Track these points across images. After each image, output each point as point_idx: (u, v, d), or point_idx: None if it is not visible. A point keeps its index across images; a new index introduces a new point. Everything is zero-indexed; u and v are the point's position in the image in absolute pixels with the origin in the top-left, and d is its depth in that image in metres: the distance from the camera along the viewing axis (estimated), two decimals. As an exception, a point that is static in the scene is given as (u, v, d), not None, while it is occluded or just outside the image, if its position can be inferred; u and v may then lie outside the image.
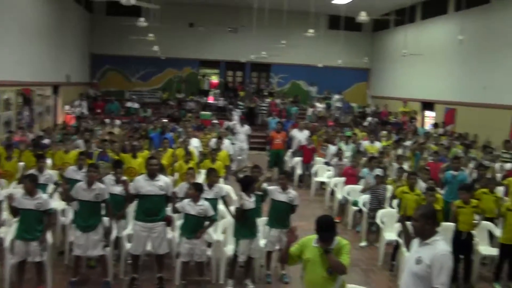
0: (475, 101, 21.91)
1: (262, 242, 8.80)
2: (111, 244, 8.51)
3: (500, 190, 11.79)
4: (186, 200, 8.22)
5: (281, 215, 8.79)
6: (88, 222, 8.01)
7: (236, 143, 17.83)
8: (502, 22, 20.81)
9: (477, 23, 22.15)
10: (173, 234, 8.82)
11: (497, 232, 9.82)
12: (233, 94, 30.85)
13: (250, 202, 8.27)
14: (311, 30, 23.18)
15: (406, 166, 13.91)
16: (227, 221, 9.11)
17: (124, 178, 9.16)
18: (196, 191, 8.18)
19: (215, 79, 32.86)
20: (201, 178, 11.19)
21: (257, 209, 8.55)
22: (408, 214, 5.63)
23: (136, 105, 26.83)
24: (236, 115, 24.27)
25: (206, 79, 32.01)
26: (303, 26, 24.85)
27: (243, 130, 18.66)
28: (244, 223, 8.29)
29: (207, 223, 8.22)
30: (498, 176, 13.24)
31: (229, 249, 8.68)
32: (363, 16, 18.88)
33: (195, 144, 14.85)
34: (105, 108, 25.63)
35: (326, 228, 5.40)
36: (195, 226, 8.08)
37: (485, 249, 9.81)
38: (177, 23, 29.51)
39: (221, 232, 9.07)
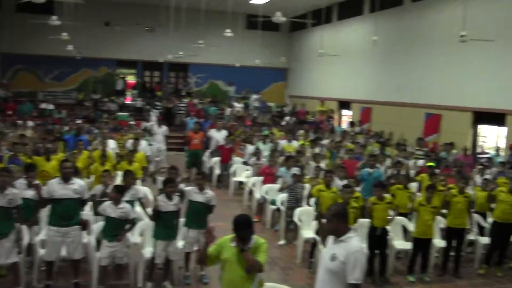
0: (390, 100, 22.57)
1: (180, 243, 8.73)
2: (24, 251, 8.23)
3: (413, 186, 12.18)
4: (107, 203, 8.06)
5: (199, 215, 8.73)
6: (0, 229, 7.70)
7: (154, 144, 17.61)
8: (415, 23, 21.51)
9: (391, 24, 22.80)
10: (89, 238, 8.61)
11: (411, 226, 10.12)
12: (151, 94, 30.51)
13: (169, 204, 8.19)
14: (228, 30, 23.20)
15: (323, 164, 14.12)
16: (145, 223, 8.98)
17: (37, 182, 8.86)
18: (117, 194, 8.03)
19: (132, 79, 32.42)
20: (117, 180, 11.00)
21: (177, 212, 8.46)
22: (325, 212, 5.73)
23: (50, 106, 26.04)
24: (153, 115, 24.00)
25: (121, 79, 31.37)
26: (221, 25, 24.86)
27: (161, 131, 18.43)
28: (162, 225, 8.21)
29: (128, 225, 8.09)
30: (412, 172, 13.65)
31: (147, 251, 8.56)
32: (279, 17, 19.06)
33: (111, 145, 14.60)
34: (17, 110, 24.78)
35: (243, 227, 5.40)
36: (116, 229, 7.95)
37: (400, 243, 10.11)
38: (92, 22, 28.87)
39: (139, 234, 8.93)
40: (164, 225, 8.23)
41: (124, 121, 21.73)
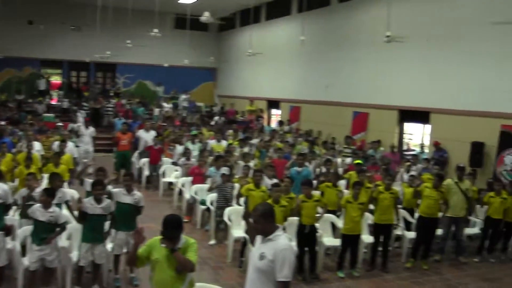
0: (318, 99, 22.88)
1: (109, 246, 8.62)
2: None
3: (342, 183, 12.41)
4: (36, 206, 7.85)
5: (127, 217, 8.64)
6: None
7: (81, 145, 17.35)
8: (342, 23, 21.90)
9: (318, 24, 23.13)
10: (14, 243, 8.37)
11: (339, 223, 10.32)
12: (78, 95, 29.90)
13: (96, 207, 8.06)
14: (156, 30, 23.02)
15: (252, 164, 14.20)
16: (72, 226, 8.80)
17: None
18: (47, 197, 7.83)
19: (57, 79, 31.71)
20: (43, 183, 10.77)
21: (106, 215, 8.30)
22: (252, 212, 5.75)
23: (-29, 108, 25.13)
24: (80, 116, 23.51)
25: (43, 79, 30.47)
26: (149, 25, 24.63)
27: (88, 132, 18.14)
28: (89, 227, 8.08)
29: (58, 229, 7.92)
30: (340, 170, 13.89)
31: (75, 255, 8.40)
32: (206, 16, 19.06)
33: (36, 147, 14.25)
34: None
35: (171, 227, 5.39)
36: (44, 233, 7.74)
37: (329, 240, 10.30)
38: (14, 20, 28.07)
39: (66, 238, 8.76)
40: (91, 228, 8.10)
41: (50, 123, 21.20)
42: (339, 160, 15.28)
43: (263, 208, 5.25)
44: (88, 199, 8.23)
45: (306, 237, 9.43)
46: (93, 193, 8.21)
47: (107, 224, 8.45)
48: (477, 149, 15.63)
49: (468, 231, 11.72)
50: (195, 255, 5.48)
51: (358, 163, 12.99)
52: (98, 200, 8.11)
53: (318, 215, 9.69)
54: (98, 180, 8.53)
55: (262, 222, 5.11)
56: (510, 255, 11.45)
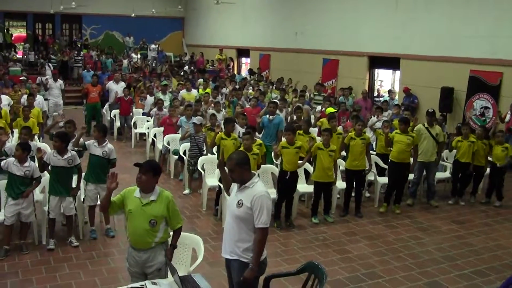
0: (288, 46, 22.78)
1: (81, 197, 8.63)
2: None
3: (314, 131, 12.45)
4: (11, 160, 7.83)
5: (98, 169, 8.62)
6: None
7: (50, 98, 17.18)
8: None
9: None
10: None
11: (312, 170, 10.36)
12: (44, 47, 29.35)
13: (59, 159, 7.99)
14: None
15: (223, 112, 14.17)
16: (46, 180, 8.75)
17: None
18: (22, 152, 7.78)
19: (21, 32, 31.04)
20: (14, 138, 10.67)
21: (72, 168, 8.23)
22: (226, 160, 5.73)
23: None
24: (48, 69, 23.14)
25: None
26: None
27: (57, 85, 17.92)
28: (55, 180, 8.04)
29: (34, 182, 7.94)
30: (312, 117, 13.91)
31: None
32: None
33: (4, 102, 14.02)
34: None
35: (148, 164, 5.42)
36: (21, 187, 7.75)
37: (302, 187, 10.31)
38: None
39: (40, 191, 8.75)
40: (56, 180, 8.06)
41: (17, 76, 20.84)
42: (310, 107, 15.30)
43: (238, 156, 5.28)
44: (52, 151, 8.18)
45: (287, 183, 9.44)
46: (54, 145, 8.16)
47: (75, 178, 8.44)
48: (447, 94, 15.79)
49: (439, 175, 11.84)
50: (178, 212, 5.58)
51: (331, 113, 12.85)
52: (60, 152, 8.05)
53: (299, 162, 9.67)
54: (57, 133, 8.41)
55: (238, 170, 5.15)
56: (479, 198, 11.65)
